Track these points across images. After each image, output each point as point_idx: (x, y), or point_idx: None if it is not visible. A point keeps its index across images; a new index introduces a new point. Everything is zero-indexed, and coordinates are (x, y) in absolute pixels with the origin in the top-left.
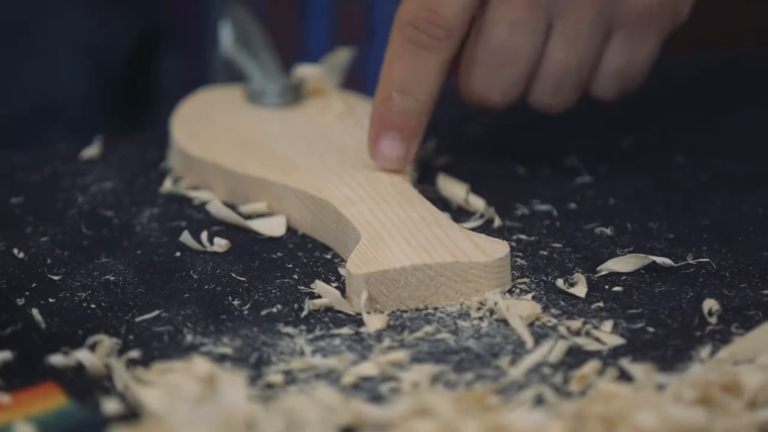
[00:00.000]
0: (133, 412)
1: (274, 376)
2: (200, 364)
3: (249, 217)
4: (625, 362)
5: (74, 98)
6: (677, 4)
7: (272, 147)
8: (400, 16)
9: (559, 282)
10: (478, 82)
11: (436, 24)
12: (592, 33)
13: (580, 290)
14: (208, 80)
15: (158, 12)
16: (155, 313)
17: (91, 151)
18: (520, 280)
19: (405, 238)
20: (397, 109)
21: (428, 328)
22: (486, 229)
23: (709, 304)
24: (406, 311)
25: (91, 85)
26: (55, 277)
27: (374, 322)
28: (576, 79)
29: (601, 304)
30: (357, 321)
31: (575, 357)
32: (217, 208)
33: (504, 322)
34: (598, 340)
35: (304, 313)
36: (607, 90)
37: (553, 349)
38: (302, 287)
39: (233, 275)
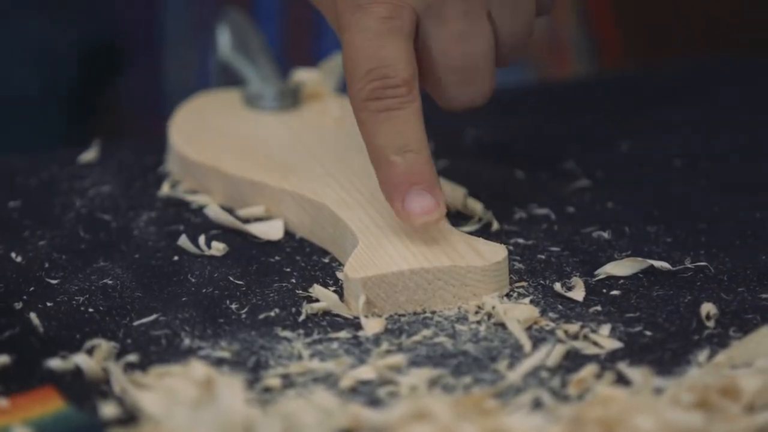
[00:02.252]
0: (131, 416)
1: (271, 380)
2: (198, 368)
3: (247, 220)
4: (622, 366)
5: (25, 103)
6: None
7: (270, 151)
8: (355, 97)
9: (557, 286)
10: (461, 98)
11: (394, 86)
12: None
13: (578, 294)
14: (165, 94)
15: (113, 26)
16: (153, 317)
17: (89, 155)
18: (517, 284)
19: (403, 242)
20: (404, 168)
21: (426, 332)
22: (484, 232)
23: (707, 308)
24: (404, 315)
25: (43, 91)
26: (53, 281)
27: (372, 326)
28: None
29: (598, 307)
30: (355, 325)
31: (573, 361)
32: (214, 211)
33: (502, 325)
34: (595, 343)
35: (302, 317)
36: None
37: (551, 353)
38: (300, 291)
39: (231, 279)
